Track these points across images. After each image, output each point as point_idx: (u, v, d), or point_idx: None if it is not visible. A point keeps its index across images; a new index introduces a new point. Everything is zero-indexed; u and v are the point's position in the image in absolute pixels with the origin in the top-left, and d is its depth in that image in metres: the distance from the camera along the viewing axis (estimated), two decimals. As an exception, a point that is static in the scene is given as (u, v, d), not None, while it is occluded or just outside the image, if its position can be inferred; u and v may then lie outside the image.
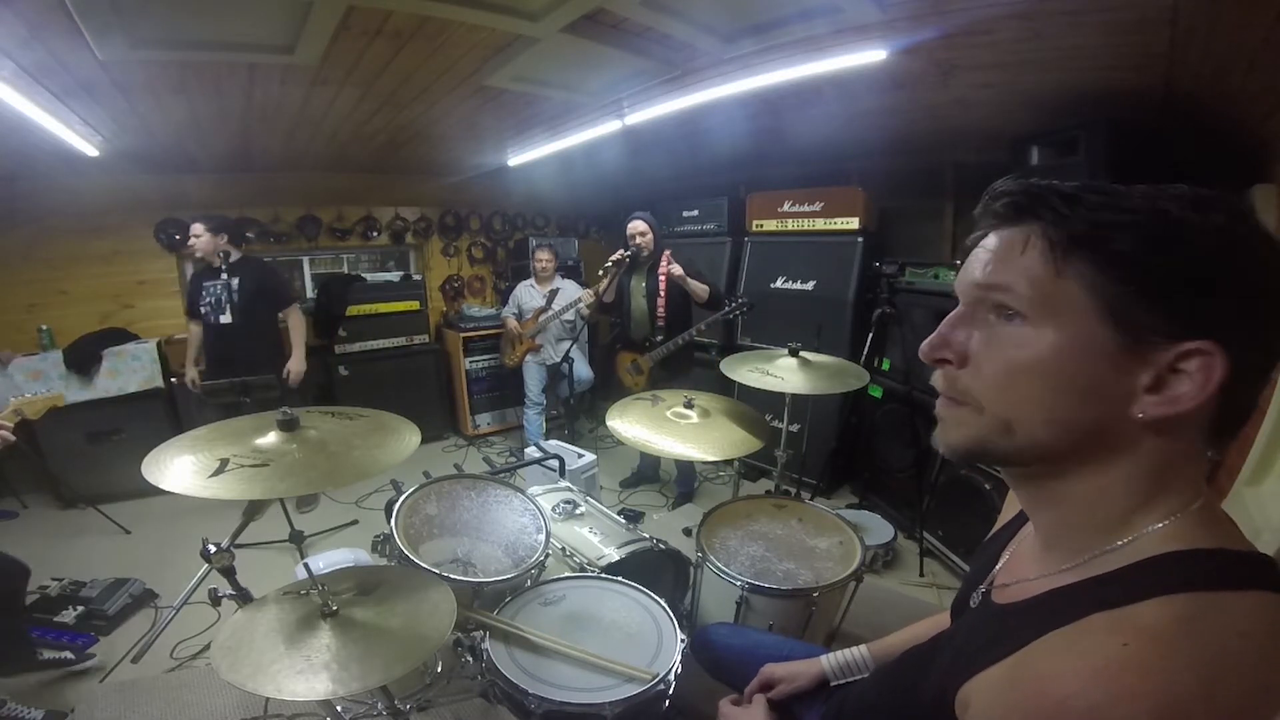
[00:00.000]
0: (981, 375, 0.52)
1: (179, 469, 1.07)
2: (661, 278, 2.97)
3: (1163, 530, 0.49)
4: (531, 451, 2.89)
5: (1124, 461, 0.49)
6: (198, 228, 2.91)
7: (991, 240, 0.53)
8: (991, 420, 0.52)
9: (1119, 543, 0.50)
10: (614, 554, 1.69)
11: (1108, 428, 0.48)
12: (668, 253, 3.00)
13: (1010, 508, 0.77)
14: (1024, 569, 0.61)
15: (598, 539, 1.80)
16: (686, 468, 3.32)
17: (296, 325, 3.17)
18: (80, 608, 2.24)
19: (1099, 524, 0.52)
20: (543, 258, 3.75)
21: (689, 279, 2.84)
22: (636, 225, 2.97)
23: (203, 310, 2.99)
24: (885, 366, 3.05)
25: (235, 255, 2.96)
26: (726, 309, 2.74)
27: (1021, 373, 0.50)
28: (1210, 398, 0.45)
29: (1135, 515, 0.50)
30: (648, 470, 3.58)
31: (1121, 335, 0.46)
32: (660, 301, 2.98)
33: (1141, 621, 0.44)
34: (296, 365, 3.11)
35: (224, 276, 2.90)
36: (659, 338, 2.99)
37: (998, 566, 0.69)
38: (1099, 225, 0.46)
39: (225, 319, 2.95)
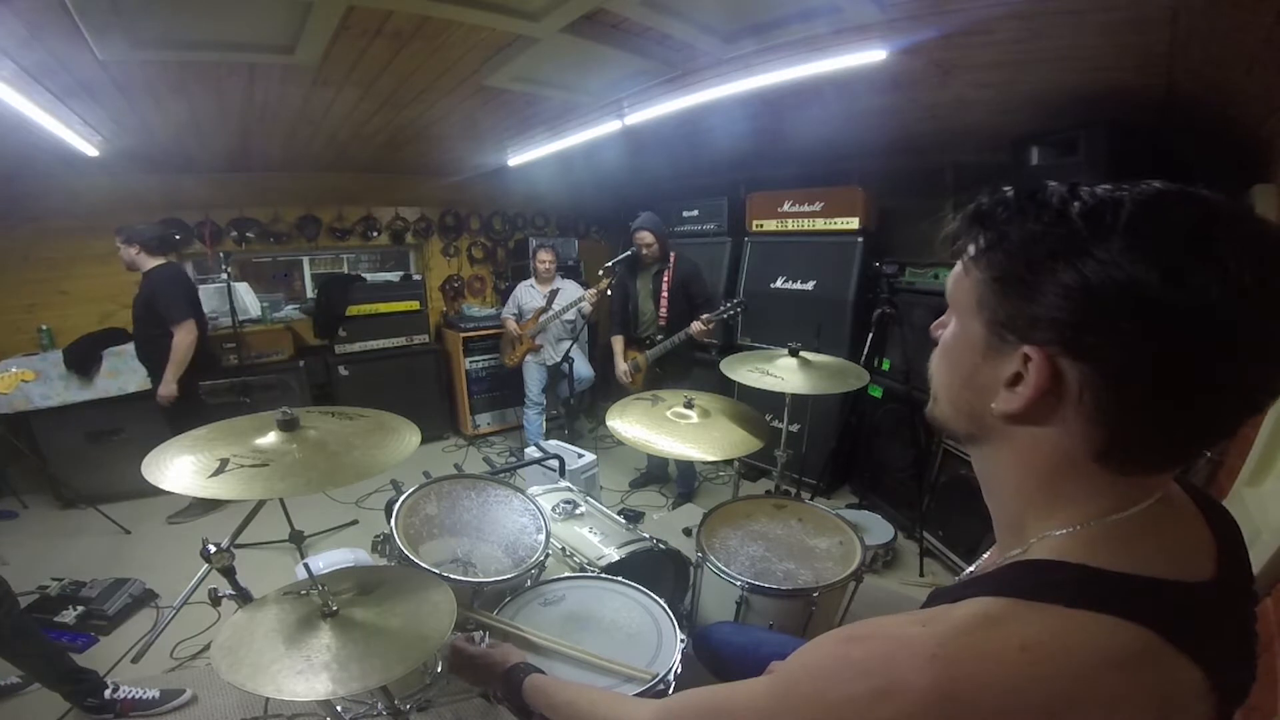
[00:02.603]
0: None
1: (179, 469, 1.07)
2: (666, 280, 2.99)
3: (1057, 539, 0.49)
4: (531, 451, 2.89)
5: (1006, 452, 0.53)
6: (117, 239, 2.92)
7: None
8: (933, 392, 0.61)
9: (1022, 547, 0.52)
10: (614, 554, 1.69)
11: (979, 414, 0.53)
12: (673, 255, 3.03)
13: None
14: (984, 566, 0.63)
15: (598, 539, 1.80)
16: (686, 467, 3.32)
17: (175, 344, 2.90)
18: (80, 608, 2.24)
19: (1009, 520, 0.55)
20: (545, 259, 3.75)
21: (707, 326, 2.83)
22: (644, 236, 3.01)
23: None
24: (885, 366, 3.05)
25: (149, 265, 2.93)
26: (722, 309, 2.76)
27: (938, 354, 0.59)
28: (1032, 400, 0.47)
29: (1029, 517, 0.52)
30: (655, 470, 3.58)
31: (987, 331, 0.50)
32: (663, 302, 3.01)
33: (954, 614, 0.46)
34: (161, 389, 2.91)
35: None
36: (659, 337, 3.01)
37: (972, 566, 0.71)
38: (998, 236, 0.49)
39: (133, 328, 3.04)
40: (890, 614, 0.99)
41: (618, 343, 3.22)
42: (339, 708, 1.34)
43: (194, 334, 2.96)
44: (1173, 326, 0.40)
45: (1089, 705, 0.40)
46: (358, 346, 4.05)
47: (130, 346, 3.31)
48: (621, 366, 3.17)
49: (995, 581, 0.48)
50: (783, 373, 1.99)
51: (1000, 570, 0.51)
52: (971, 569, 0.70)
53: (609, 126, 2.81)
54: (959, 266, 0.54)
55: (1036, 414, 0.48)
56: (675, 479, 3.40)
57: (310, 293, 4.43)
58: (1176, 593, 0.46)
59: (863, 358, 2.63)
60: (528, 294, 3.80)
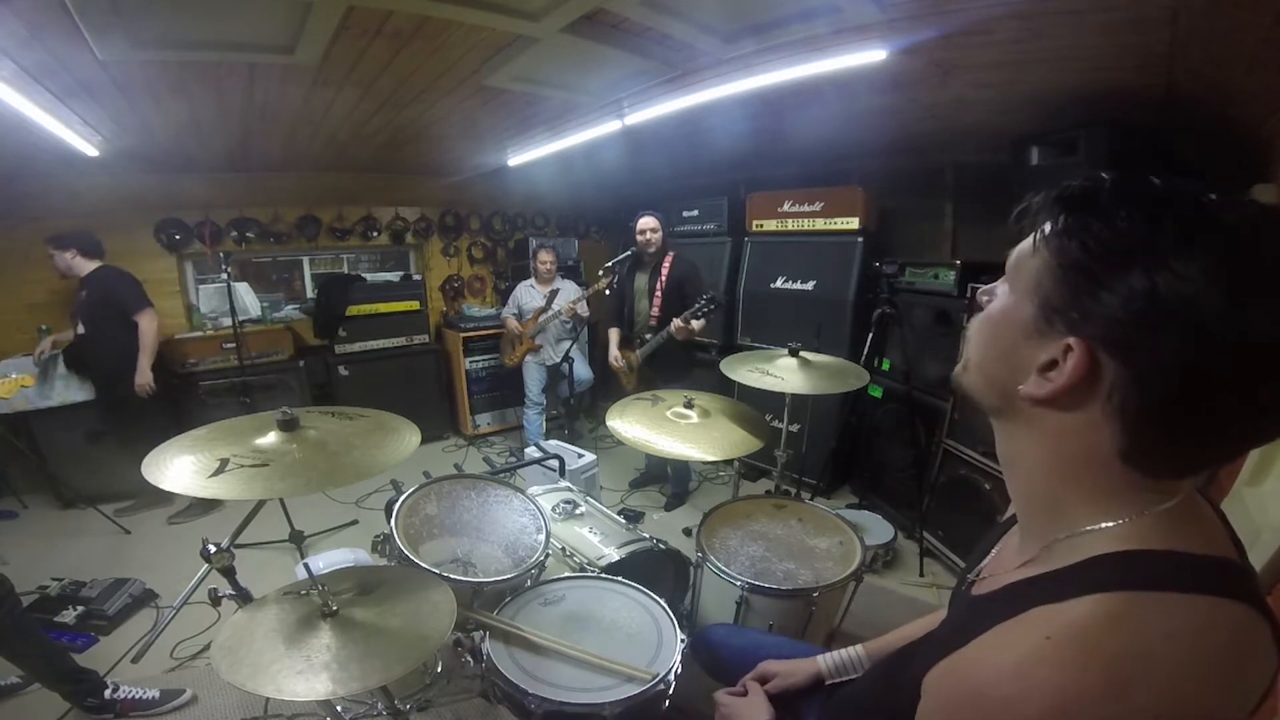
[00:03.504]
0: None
1: (179, 469, 1.07)
2: (661, 279, 2.98)
3: (1114, 529, 0.49)
4: (531, 451, 2.89)
5: (1031, 434, 0.53)
6: (49, 248, 2.94)
7: None
8: (965, 358, 0.60)
9: (1066, 534, 0.51)
10: (614, 554, 1.69)
11: (1008, 392, 0.53)
12: (670, 254, 3.01)
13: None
14: (1006, 561, 0.62)
15: (598, 539, 1.80)
16: (681, 469, 3.31)
17: (144, 331, 3.01)
18: (80, 608, 2.24)
19: (1040, 503, 0.55)
20: (545, 259, 3.75)
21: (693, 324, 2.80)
22: (648, 221, 2.99)
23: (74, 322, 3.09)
24: (885, 366, 3.05)
25: (88, 268, 2.97)
26: (696, 307, 2.69)
27: (980, 321, 0.58)
28: (1061, 391, 0.47)
29: (1071, 506, 0.52)
30: (655, 470, 3.57)
31: (1037, 313, 0.49)
32: (656, 300, 2.99)
33: (1069, 617, 0.45)
34: (139, 378, 2.99)
35: (80, 290, 2.99)
36: (648, 336, 3.00)
37: (987, 559, 0.70)
38: (1079, 224, 0.47)
39: (80, 330, 3.04)
40: (914, 624, 0.98)
41: (613, 334, 3.22)
42: (339, 708, 1.34)
43: (157, 320, 3.05)
44: (1213, 347, 0.41)
45: (1235, 683, 0.42)
46: (358, 346, 4.05)
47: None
48: (614, 353, 3.16)
49: (1091, 577, 0.47)
50: (783, 373, 1.99)
51: (1087, 565, 0.49)
52: (982, 565, 0.70)
53: (609, 126, 2.81)
54: (1029, 241, 0.51)
55: (1064, 402, 0.48)
56: (670, 479, 3.38)
57: (310, 293, 4.42)
58: (1249, 573, 0.48)
59: (863, 358, 2.63)
60: (528, 294, 3.81)
